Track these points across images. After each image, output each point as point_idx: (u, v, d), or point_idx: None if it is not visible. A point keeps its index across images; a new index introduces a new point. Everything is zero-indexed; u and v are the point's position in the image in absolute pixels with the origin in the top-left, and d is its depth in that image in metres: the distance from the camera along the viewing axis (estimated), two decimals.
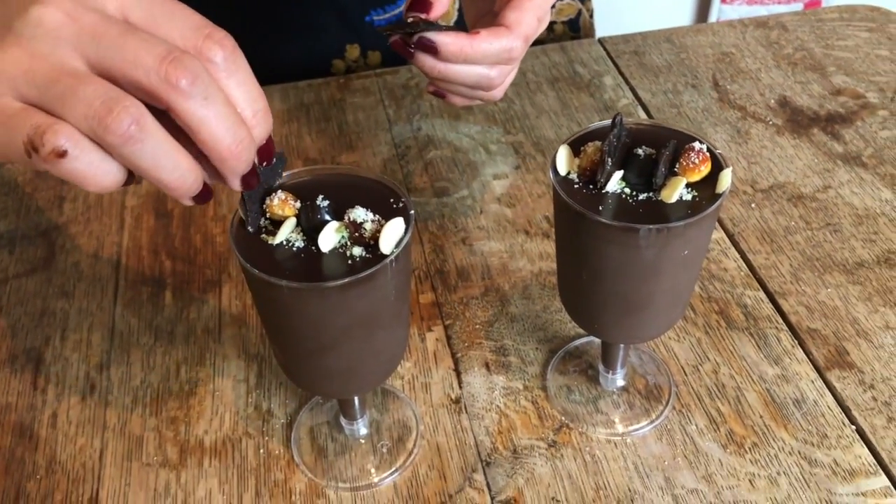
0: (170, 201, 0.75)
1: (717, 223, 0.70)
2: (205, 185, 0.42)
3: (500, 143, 0.80)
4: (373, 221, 0.43)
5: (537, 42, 0.89)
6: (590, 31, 1.01)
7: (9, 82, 0.38)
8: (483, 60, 0.53)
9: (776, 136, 0.79)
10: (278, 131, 0.82)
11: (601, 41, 0.92)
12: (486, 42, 0.52)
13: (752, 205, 0.72)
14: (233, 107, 0.40)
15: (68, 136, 0.37)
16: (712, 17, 1.95)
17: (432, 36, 0.51)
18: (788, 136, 0.79)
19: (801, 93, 0.84)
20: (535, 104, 0.84)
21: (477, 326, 0.63)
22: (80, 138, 0.38)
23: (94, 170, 0.38)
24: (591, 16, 1.01)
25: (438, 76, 0.54)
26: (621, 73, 0.88)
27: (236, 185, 0.42)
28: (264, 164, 0.43)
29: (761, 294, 0.64)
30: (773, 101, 0.83)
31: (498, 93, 0.58)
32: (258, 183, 0.43)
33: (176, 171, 0.39)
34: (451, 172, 0.77)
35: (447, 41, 0.52)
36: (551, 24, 0.97)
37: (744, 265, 0.67)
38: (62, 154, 0.37)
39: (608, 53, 0.91)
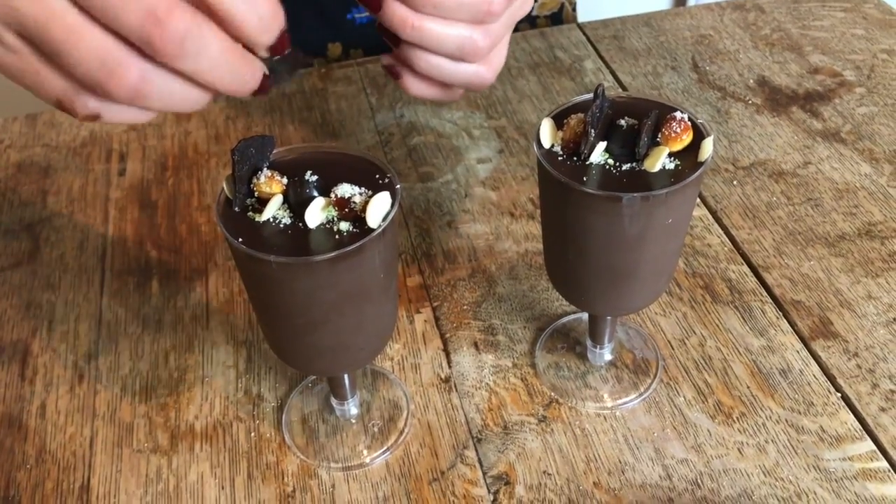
0: (154, 192, 0.75)
1: (699, 201, 0.71)
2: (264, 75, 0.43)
3: (483, 128, 0.80)
4: (360, 194, 0.43)
5: (517, 30, 0.90)
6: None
7: None
8: (457, 10, 0.48)
9: (756, 115, 0.80)
10: (261, 121, 0.82)
11: (580, 26, 0.93)
12: None
13: (734, 182, 0.73)
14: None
15: (93, 103, 0.40)
16: (689, 3, 1.96)
17: None
18: (768, 115, 0.80)
19: (780, 72, 0.85)
20: (516, 89, 0.84)
21: (465, 307, 0.64)
22: (102, 101, 0.40)
23: (124, 114, 0.42)
24: (574, 8, 1.01)
25: (412, 33, 0.49)
26: (601, 57, 0.88)
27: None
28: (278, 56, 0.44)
29: (745, 268, 0.65)
30: (751, 80, 0.84)
31: (487, 73, 0.52)
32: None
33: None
34: (435, 158, 0.77)
35: None
36: (534, 18, 0.97)
37: (727, 241, 0.67)
38: (95, 118, 0.41)
39: (588, 38, 0.91)
